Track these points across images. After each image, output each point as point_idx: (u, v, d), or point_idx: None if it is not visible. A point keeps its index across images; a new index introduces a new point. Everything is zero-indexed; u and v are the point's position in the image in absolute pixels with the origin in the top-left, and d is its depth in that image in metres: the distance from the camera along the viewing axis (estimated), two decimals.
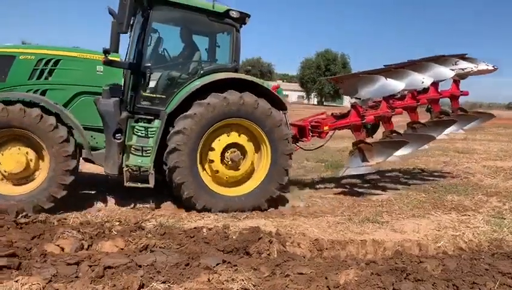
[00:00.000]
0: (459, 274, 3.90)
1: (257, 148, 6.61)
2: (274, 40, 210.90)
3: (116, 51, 6.03)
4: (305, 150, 8.41)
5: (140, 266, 3.86)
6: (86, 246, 4.44)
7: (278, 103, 6.64)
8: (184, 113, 6.07)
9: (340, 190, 8.06)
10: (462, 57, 8.45)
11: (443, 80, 8.39)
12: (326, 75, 78.15)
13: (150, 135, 6.18)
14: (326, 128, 7.70)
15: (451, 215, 6.47)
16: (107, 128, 6.09)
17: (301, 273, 3.90)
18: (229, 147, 6.39)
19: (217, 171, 6.37)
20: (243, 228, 5.19)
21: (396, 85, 7.30)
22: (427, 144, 8.15)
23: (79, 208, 5.93)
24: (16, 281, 3.38)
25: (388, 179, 9.25)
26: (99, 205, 6.30)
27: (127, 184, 5.96)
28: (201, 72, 6.54)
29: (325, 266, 4.18)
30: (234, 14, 6.53)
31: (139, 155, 6.14)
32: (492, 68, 8.81)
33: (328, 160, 11.40)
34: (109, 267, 3.79)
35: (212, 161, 6.33)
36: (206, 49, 7.05)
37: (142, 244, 4.43)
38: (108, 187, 6.92)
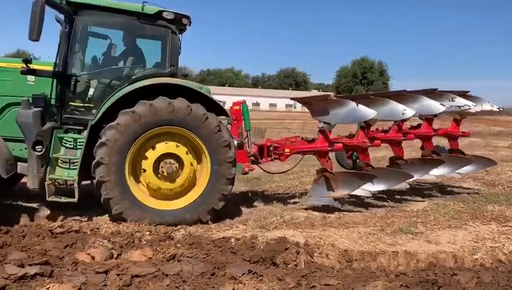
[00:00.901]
0: (494, 288, 3.71)
1: (199, 159, 6.24)
2: (309, 49, 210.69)
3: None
4: (268, 172, 7.96)
5: (166, 275, 3.90)
6: (115, 255, 4.54)
7: (218, 109, 6.27)
8: (109, 124, 5.79)
9: (374, 199, 7.87)
10: (464, 94, 8.00)
11: (433, 115, 7.91)
12: (363, 84, 77.26)
13: (78, 147, 5.94)
14: (287, 150, 7.21)
15: (491, 226, 6.18)
16: (27, 140, 5.82)
17: (328, 285, 3.82)
18: (165, 157, 6.04)
19: (149, 182, 6.03)
20: (271, 238, 5.15)
21: (367, 112, 6.82)
22: (405, 182, 7.38)
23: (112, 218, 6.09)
24: (47, 289, 3.50)
25: (424, 188, 8.97)
26: None
27: (49, 199, 5.73)
28: (133, 78, 6.21)
29: (353, 278, 4.07)
30: (168, 16, 6.20)
31: (65, 168, 5.90)
32: (497, 110, 8.41)
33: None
34: (137, 276, 3.85)
35: (144, 171, 6.00)
36: (140, 53, 6.70)
37: (170, 254, 4.47)
38: None
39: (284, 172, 8.01)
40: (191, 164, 6.15)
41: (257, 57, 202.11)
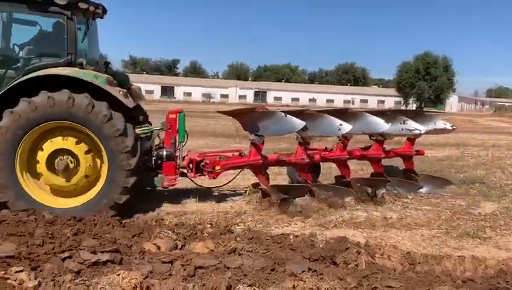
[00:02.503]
0: None
1: (98, 153, 5.94)
2: (369, 44, 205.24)
3: None
4: (201, 187, 7.29)
5: (228, 268, 4.00)
6: (179, 246, 4.72)
7: (114, 101, 5.87)
8: None
9: (437, 201, 7.56)
10: (421, 113, 8.08)
11: (377, 133, 7.60)
12: (426, 80, 74.02)
13: None
14: (217, 168, 6.72)
15: None
16: None
17: (390, 287, 3.74)
18: (61, 152, 5.80)
19: (41, 175, 5.82)
20: (330, 237, 5.12)
21: (296, 123, 6.51)
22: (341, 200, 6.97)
23: (175, 210, 6.34)
24: (118, 275, 3.70)
25: (493, 190, 8.49)
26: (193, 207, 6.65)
27: None
28: (26, 69, 5.96)
29: (416, 281, 3.96)
30: (60, 1, 5.87)
31: None
32: (450, 128, 8.26)
33: (425, 170, 10.74)
34: (200, 267, 3.98)
35: (38, 162, 5.81)
36: (36, 42, 6.42)
37: (231, 247, 4.58)
38: (201, 192, 7.28)
39: (221, 186, 7.43)
40: (88, 161, 5.88)
41: (315, 52, 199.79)
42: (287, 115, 6.64)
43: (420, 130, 7.72)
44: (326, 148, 7.87)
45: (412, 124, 7.72)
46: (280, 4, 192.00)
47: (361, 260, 4.38)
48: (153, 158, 6.60)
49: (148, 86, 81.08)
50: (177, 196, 7.08)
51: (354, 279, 3.87)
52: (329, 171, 8.36)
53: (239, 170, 7.21)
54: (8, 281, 3.52)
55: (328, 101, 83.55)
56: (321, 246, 4.84)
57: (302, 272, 3.97)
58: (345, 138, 7.33)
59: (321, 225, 6.01)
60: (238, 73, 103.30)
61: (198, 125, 21.21)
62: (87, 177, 5.91)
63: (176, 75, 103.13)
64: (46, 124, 5.71)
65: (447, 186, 8.26)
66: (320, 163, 7.92)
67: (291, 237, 5.17)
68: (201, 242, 4.80)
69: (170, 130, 6.63)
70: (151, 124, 7.14)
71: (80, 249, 4.27)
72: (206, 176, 6.79)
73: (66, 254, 4.12)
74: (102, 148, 5.80)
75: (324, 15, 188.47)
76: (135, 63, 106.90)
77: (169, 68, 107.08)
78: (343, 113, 7.32)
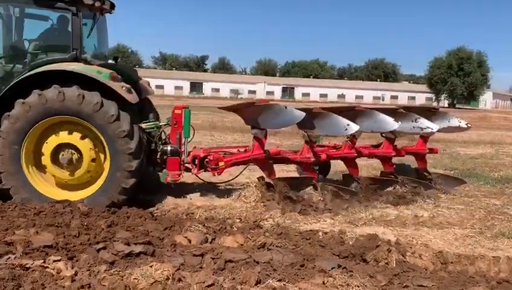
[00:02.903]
0: None
1: (102, 150, 6.00)
2: (400, 39, 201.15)
3: None
4: (206, 182, 7.30)
5: (257, 263, 4.04)
6: (209, 240, 4.79)
7: (116, 96, 5.88)
8: (5, 113, 5.78)
9: (471, 200, 7.40)
10: (434, 110, 7.89)
11: (384, 132, 7.40)
12: (459, 75, 72.07)
13: None
14: (221, 164, 6.56)
15: None
16: None
17: (422, 286, 3.70)
18: (65, 147, 5.91)
19: (45, 167, 5.95)
20: (360, 234, 5.08)
21: (296, 114, 6.39)
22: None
23: (205, 203, 6.42)
24: (151, 267, 3.79)
25: None
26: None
27: None
28: (33, 64, 6.05)
29: (449, 281, 3.90)
30: None
31: None
32: (465, 126, 7.95)
33: (458, 168, 10.53)
34: (230, 261, 4.03)
35: (43, 154, 5.93)
36: (43, 38, 6.53)
37: (260, 242, 4.61)
38: (228, 187, 7.35)
39: (227, 181, 7.37)
40: (94, 155, 5.98)
41: (344, 48, 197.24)
42: (287, 107, 6.58)
43: (432, 129, 7.49)
44: (335, 145, 7.79)
45: (424, 122, 7.48)
46: (309, 0, 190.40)
47: (392, 258, 4.34)
48: (158, 153, 6.62)
49: (178, 82, 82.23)
50: (207, 190, 7.16)
51: (384, 277, 3.84)
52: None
53: (245, 165, 7.20)
54: (47, 269, 3.66)
55: (357, 97, 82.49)
56: (351, 243, 4.81)
57: (332, 268, 3.97)
58: (353, 136, 7.22)
59: (350, 222, 5.97)
60: (266, 69, 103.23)
61: (227, 121, 21.32)
62: (89, 173, 6.02)
63: (205, 71, 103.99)
64: (54, 118, 5.84)
65: (460, 186, 7.97)
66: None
67: (320, 233, 5.16)
68: (230, 236, 4.86)
69: (176, 126, 6.63)
70: (158, 118, 7.23)
71: (114, 241, 4.40)
72: (210, 172, 6.71)
73: (100, 245, 4.25)
74: (106, 147, 5.89)
75: (353, 10, 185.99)
76: (165, 59, 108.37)
77: (198, 64, 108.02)
78: (351, 111, 7.21)
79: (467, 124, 7.99)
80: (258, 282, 3.64)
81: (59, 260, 3.81)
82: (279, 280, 3.71)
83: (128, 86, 6.17)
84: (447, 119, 7.93)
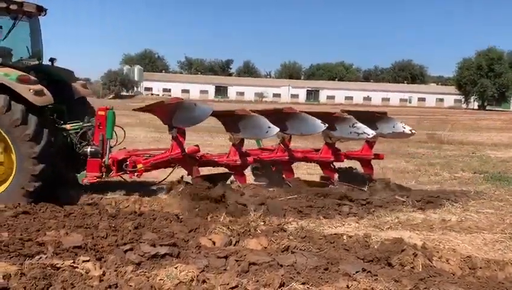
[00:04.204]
0: None
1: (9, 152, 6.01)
2: (427, 40, 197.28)
3: None
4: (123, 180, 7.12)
5: (281, 266, 4.05)
6: (233, 242, 4.82)
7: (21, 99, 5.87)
8: None
9: (501, 204, 7.20)
10: (379, 115, 7.81)
11: (309, 134, 7.54)
12: (489, 76, 70.26)
13: None
14: (140, 166, 6.52)
15: None
16: None
17: None
18: None
19: None
20: (385, 238, 5.02)
21: (205, 110, 6.54)
22: None
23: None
24: (176, 268, 3.86)
25: None
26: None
27: None
28: None
29: (477, 287, 3.82)
30: None
31: None
32: (409, 132, 7.84)
33: (487, 171, 10.27)
34: (253, 263, 4.06)
35: None
36: None
37: (284, 245, 4.62)
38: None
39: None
40: (2, 159, 6.02)
41: (369, 50, 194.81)
42: (196, 104, 6.65)
43: (368, 134, 7.35)
44: (273, 147, 7.75)
45: (361, 127, 7.36)
46: (334, 2, 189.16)
47: (418, 263, 4.27)
48: (78, 154, 6.68)
49: (203, 86, 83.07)
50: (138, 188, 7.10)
51: (410, 281, 3.79)
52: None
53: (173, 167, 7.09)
54: (76, 269, 3.77)
55: (383, 99, 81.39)
56: (376, 247, 4.76)
57: (356, 272, 3.94)
58: (284, 139, 7.23)
59: (376, 226, 5.90)
60: (290, 72, 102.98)
61: None
62: (3, 165, 6.08)
63: (230, 75, 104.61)
64: None
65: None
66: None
67: (344, 237, 5.12)
68: (254, 239, 4.88)
69: (100, 127, 6.62)
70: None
71: (141, 242, 4.49)
72: (131, 173, 6.71)
73: (127, 247, 4.35)
74: (13, 150, 5.95)
75: (379, 12, 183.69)
76: (191, 64, 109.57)
77: (223, 68, 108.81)
78: (280, 114, 7.22)
79: (411, 130, 7.87)
80: (281, 285, 3.65)
81: (88, 261, 3.92)
82: (303, 283, 3.71)
83: (39, 88, 6.14)
84: (392, 124, 7.86)
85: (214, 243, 4.76)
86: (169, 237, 4.77)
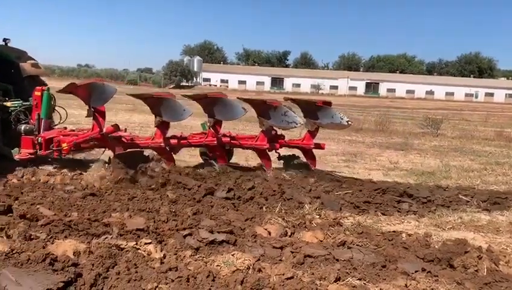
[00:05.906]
0: None
1: None
2: (497, 32, 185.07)
3: None
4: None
5: (337, 260, 4.01)
6: (289, 233, 4.83)
7: None
8: None
9: None
10: (319, 105, 7.77)
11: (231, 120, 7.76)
12: None
13: None
14: (64, 145, 6.72)
15: None
16: None
17: None
18: None
19: None
20: (447, 239, 4.82)
21: (109, 92, 6.80)
22: None
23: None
24: (232, 255, 3.94)
25: None
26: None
27: None
28: None
29: None
30: None
31: None
32: (346, 123, 7.93)
33: None
34: (309, 256, 4.05)
35: None
36: None
37: (340, 240, 4.56)
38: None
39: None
40: None
41: (434, 42, 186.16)
42: (104, 83, 6.96)
43: (296, 123, 7.54)
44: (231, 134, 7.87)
45: (291, 116, 7.49)
46: None
47: (483, 266, 4.06)
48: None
49: (259, 78, 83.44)
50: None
51: (473, 285, 3.63)
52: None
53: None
54: (139, 251, 3.95)
55: (447, 94, 77.79)
56: (437, 247, 4.58)
57: (416, 271, 3.82)
58: (215, 124, 7.34)
59: (437, 225, 5.68)
60: (349, 64, 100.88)
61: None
62: None
63: (286, 66, 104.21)
64: None
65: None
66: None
67: (403, 235, 4.98)
68: (310, 232, 4.86)
69: (36, 107, 7.10)
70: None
71: (199, 228, 4.61)
72: (56, 152, 6.89)
73: (186, 232, 4.48)
74: None
75: (444, 2, 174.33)
76: (248, 55, 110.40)
77: (279, 60, 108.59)
78: (204, 99, 7.39)
79: (347, 122, 7.93)
80: (337, 279, 3.61)
81: (150, 243, 4.09)
82: (360, 279, 3.65)
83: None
84: (330, 115, 7.83)
85: (269, 233, 4.79)
86: (227, 224, 4.86)
